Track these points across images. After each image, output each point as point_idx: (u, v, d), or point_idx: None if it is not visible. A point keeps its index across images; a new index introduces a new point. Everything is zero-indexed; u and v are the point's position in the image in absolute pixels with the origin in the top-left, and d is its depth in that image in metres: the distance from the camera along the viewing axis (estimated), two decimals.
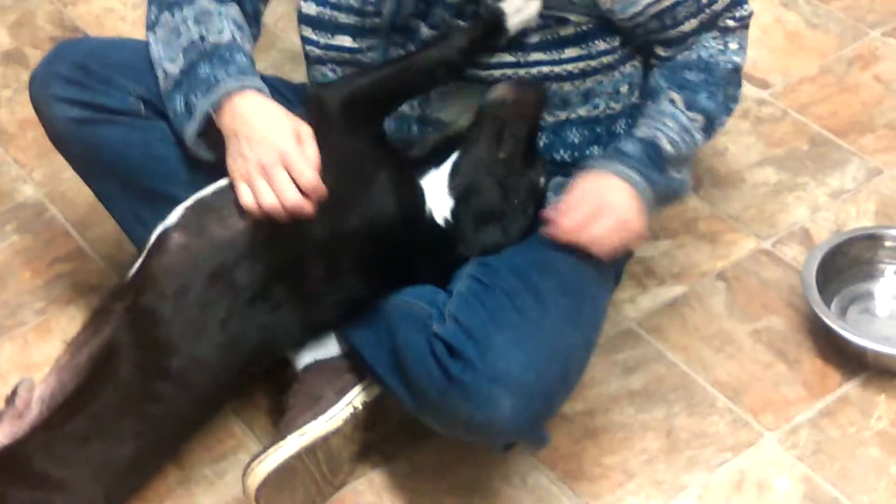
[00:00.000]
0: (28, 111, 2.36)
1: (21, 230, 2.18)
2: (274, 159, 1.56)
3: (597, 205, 1.63)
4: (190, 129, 1.66)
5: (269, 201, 1.55)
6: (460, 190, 1.68)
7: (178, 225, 1.62)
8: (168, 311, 1.58)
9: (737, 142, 2.26)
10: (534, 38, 1.69)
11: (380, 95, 1.66)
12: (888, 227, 2.02)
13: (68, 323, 2.00)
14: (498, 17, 1.64)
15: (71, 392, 1.57)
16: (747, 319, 1.96)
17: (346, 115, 1.62)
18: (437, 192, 1.69)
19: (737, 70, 1.75)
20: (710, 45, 1.73)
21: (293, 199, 1.55)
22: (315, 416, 1.69)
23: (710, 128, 1.73)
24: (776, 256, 2.06)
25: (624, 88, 1.77)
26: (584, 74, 1.73)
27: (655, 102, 1.72)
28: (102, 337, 1.59)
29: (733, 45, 1.74)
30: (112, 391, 1.57)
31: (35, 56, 2.54)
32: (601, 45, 1.72)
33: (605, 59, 1.73)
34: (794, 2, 2.57)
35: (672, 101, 1.70)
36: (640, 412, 1.83)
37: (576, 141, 1.77)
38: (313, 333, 1.72)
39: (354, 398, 1.72)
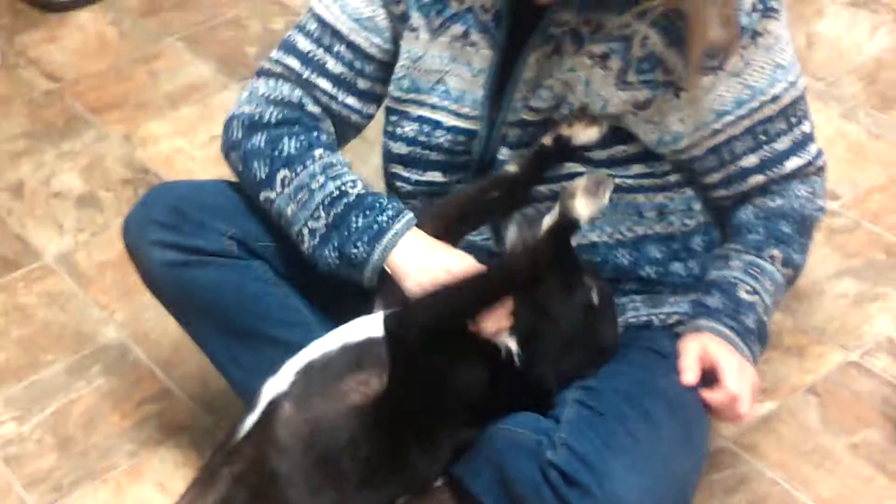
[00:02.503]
0: (105, 253, 2.44)
1: (107, 372, 2.18)
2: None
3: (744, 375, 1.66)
4: (367, 275, 1.66)
5: None
6: (518, 334, 1.66)
7: (289, 394, 1.59)
8: (283, 489, 1.56)
9: (812, 253, 2.19)
10: (601, 155, 1.71)
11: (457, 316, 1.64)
12: None
13: (160, 464, 2.00)
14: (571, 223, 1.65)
15: None
16: (843, 433, 1.94)
17: (428, 344, 1.60)
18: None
19: (819, 219, 1.79)
20: (800, 193, 1.75)
21: None
22: None
23: (794, 281, 1.78)
24: (865, 368, 2.05)
25: (697, 206, 1.78)
26: (655, 188, 1.74)
27: (755, 255, 1.73)
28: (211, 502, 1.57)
29: (820, 191, 1.77)
30: None
31: (107, 198, 2.59)
32: (666, 166, 1.73)
33: (672, 178, 1.75)
34: (854, 113, 2.60)
35: (772, 259, 1.73)
36: None
37: (658, 256, 1.78)
38: (421, 490, 1.70)
39: None
